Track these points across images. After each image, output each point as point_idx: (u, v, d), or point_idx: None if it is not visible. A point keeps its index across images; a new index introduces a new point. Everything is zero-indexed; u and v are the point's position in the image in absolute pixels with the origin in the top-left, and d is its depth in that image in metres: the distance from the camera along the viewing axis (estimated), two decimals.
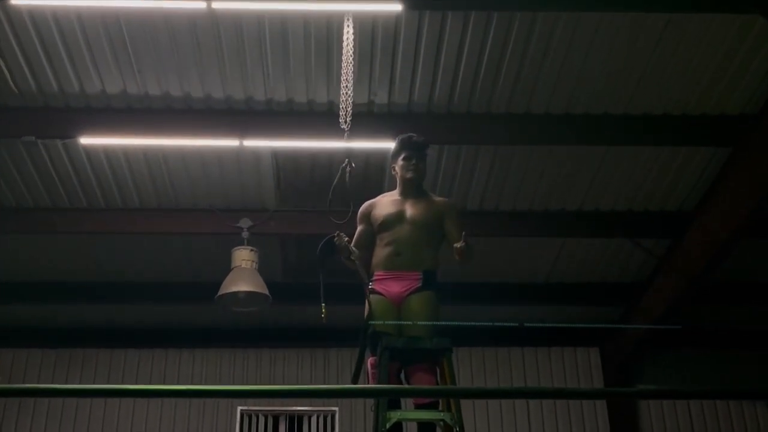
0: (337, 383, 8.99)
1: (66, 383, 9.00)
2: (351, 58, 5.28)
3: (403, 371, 4.44)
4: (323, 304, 4.43)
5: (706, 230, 7.13)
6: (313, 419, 9.10)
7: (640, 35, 5.73)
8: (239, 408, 9.00)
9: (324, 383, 9.14)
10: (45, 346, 9.49)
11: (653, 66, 5.97)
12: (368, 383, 4.44)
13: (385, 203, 4.73)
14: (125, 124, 6.38)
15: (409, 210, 4.63)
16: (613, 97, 6.30)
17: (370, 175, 7.06)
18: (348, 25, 5.31)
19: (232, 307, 7.62)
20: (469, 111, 6.46)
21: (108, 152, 6.78)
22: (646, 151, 6.84)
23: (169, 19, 5.58)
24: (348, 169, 4.89)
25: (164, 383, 9.12)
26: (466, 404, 5.58)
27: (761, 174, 6.18)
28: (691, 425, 9.43)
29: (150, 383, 9.08)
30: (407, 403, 4.49)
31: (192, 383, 9.10)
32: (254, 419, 9.07)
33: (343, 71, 5.30)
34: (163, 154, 6.85)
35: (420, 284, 4.50)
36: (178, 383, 9.03)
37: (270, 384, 9.21)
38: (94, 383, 8.98)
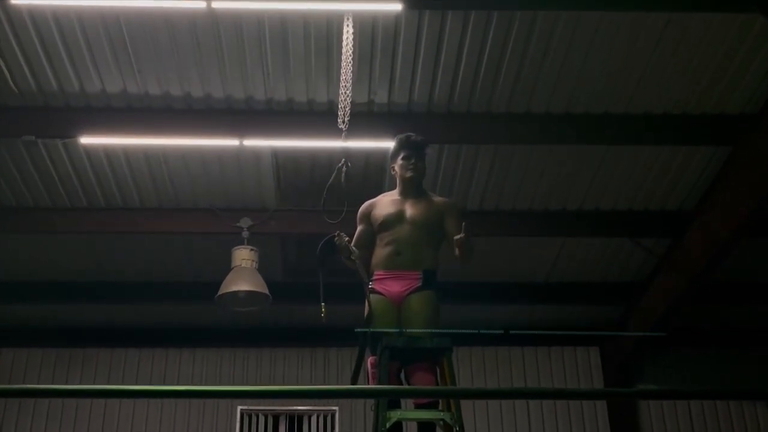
0: (338, 383, 9.00)
1: (66, 383, 9.01)
2: (350, 58, 5.28)
3: (403, 371, 4.44)
4: (323, 304, 4.43)
5: (706, 230, 7.13)
6: (313, 419, 9.10)
7: (640, 34, 5.73)
8: (239, 408, 9.00)
9: (324, 383, 9.15)
10: (45, 345, 9.49)
11: (653, 65, 5.97)
12: (368, 383, 4.44)
13: (385, 203, 4.73)
14: (125, 123, 6.38)
15: (409, 210, 4.63)
16: (613, 96, 6.30)
17: (370, 175, 7.06)
18: (348, 25, 5.31)
19: (232, 307, 7.62)
20: (469, 110, 6.46)
21: (108, 152, 6.78)
22: (647, 150, 6.84)
23: (169, 19, 5.58)
24: (344, 169, 4.90)
25: (164, 383, 9.13)
26: (465, 404, 5.58)
27: (761, 173, 6.17)
28: (692, 425, 9.42)
29: (150, 383, 9.08)
30: (407, 402, 4.49)
31: (192, 383, 9.11)
32: (254, 419, 9.07)
33: (342, 71, 5.29)
34: (164, 154, 6.85)
35: (420, 284, 4.50)
36: (178, 383, 9.03)
37: (270, 384, 9.22)
38: (94, 383, 8.99)
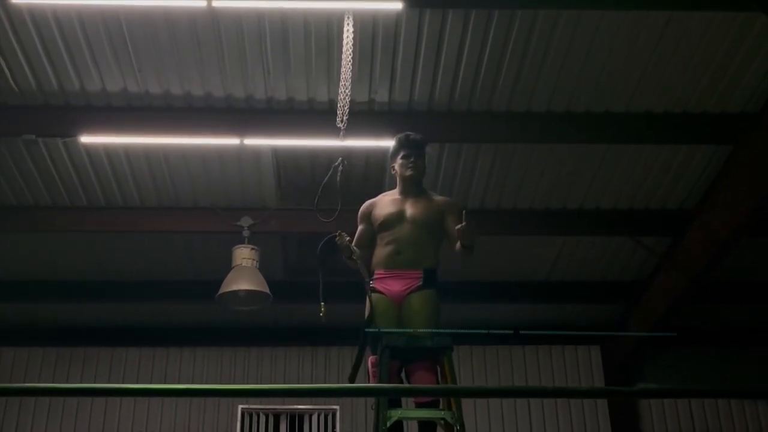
0: (338, 382, 8.99)
1: (67, 382, 9.01)
2: (350, 57, 5.27)
3: (403, 370, 4.44)
4: (322, 303, 4.44)
5: (706, 229, 7.13)
6: (314, 418, 9.10)
7: (640, 33, 5.72)
8: (240, 407, 8.99)
9: (325, 382, 9.15)
10: (46, 345, 9.50)
11: (654, 64, 5.96)
12: (369, 382, 4.44)
13: (386, 202, 4.73)
14: (126, 122, 6.38)
15: (410, 209, 4.63)
16: (614, 95, 6.29)
17: (371, 174, 7.06)
18: (348, 24, 5.31)
19: (233, 306, 7.62)
20: (470, 109, 6.45)
21: (108, 150, 6.78)
22: (647, 149, 6.83)
23: (170, 18, 5.58)
24: (340, 168, 4.91)
25: (165, 382, 9.13)
26: (466, 402, 5.58)
27: (762, 172, 6.17)
28: (692, 424, 9.43)
29: (151, 382, 9.09)
30: (408, 401, 4.49)
31: (193, 382, 9.11)
32: (255, 418, 9.07)
33: (342, 70, 5.29)
34: (164, 153, 6.85)
35: (421, 283, 4.50)
36: (179, 382, 9.03)
37: (271, 383, 9.21)
38: (95, 382, 9.00)
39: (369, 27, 5.68)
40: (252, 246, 7.40)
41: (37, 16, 5.54)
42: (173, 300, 8.90)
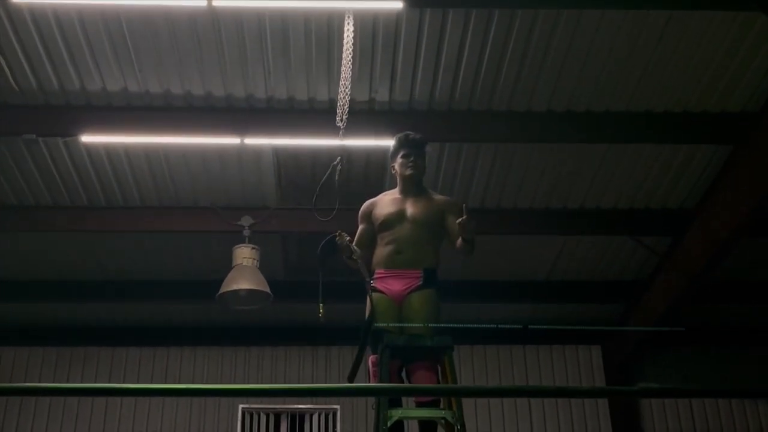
0: (339, 381, 8.99)
1: (67, 382, 9.03)
2: (350, 57, 5.27)
3: (404, 369, 4.44)
4: (321, 303, 4.43)
5: (707, 228, 7.13)
6: (315, 417, 9.09)
7: (641, 33, 5.72)
8: (241, 406, 8.98)
9: (326, 381, 9.16)
10: (46, 344, 9.51)
11: (654, 63, 5.96)
12: (369, 381, 4.44)
13: (386, 202, 4.72)
14: (126, 121, 6.38)
15: (410, 208, 4.63)
16: (614, 94, 6.29)
17: (371, 174, 7.06)
18: (349, 23, 5.30)
19: (233, 305, 7.62)
20: (470, 109, 6.45)
21: (109, 150, 6.78)
22: (648, 148, 6.83)
23: (170, 17, 5.58)
24: (338, 167, 4.90)
25: (166, 382, 9.14)
26: (467, 402, 5.58)
27: (762, 172, 6.17)
28: (693, 424, 9.43)
29: (152, 382, 9.10)
30: (408, 401, 4.49)
31: (194, 382, 9.12)
32: (256, 417, 9.05)
33: (342, 69, 5.29)
34: (164, 152, 6.85)
35: (421, 282, 4.49)
36: (179, 382, 9.04)
37: (272, 382, 9.22)
38: (95, 382, 9.01)
39: (369, 26, 5.68)
40: (252, 245, 7.40)
41: (37, 15, 5.54)
42: (173, 299, 8.90)
